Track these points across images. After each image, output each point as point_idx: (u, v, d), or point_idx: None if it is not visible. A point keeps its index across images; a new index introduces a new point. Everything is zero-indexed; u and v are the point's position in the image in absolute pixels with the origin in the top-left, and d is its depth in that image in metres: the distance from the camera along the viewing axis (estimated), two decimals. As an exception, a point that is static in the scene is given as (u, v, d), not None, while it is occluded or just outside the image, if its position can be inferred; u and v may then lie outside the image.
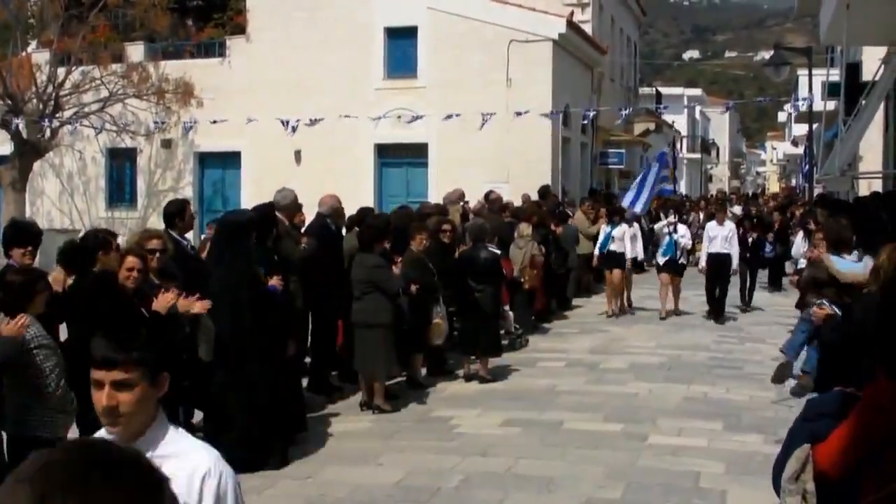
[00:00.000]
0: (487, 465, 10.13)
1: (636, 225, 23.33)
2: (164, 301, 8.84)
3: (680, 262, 21.60)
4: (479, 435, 11.41)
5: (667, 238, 21.52)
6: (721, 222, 21.59)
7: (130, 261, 8.88)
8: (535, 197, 24.45)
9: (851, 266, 8.94)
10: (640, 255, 23.42)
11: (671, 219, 22.25)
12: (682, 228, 22.15)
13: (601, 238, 22.34)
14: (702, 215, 32.08)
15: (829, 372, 9.06)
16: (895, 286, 4.53)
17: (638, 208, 24.32)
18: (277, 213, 12.23)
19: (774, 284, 26.58)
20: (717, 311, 21.16)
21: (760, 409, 12.66)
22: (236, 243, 10.21)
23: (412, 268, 13.45)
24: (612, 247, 21.73)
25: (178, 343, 9.24)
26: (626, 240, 21.78)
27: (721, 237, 21.16)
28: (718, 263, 21.01)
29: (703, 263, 21.57)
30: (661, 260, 21.77)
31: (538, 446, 10.88)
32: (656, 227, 23.44)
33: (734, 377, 14.82)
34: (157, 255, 9.71)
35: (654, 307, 21.83)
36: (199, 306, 9.36)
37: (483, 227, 15.25)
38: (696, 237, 25.84)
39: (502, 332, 16.02)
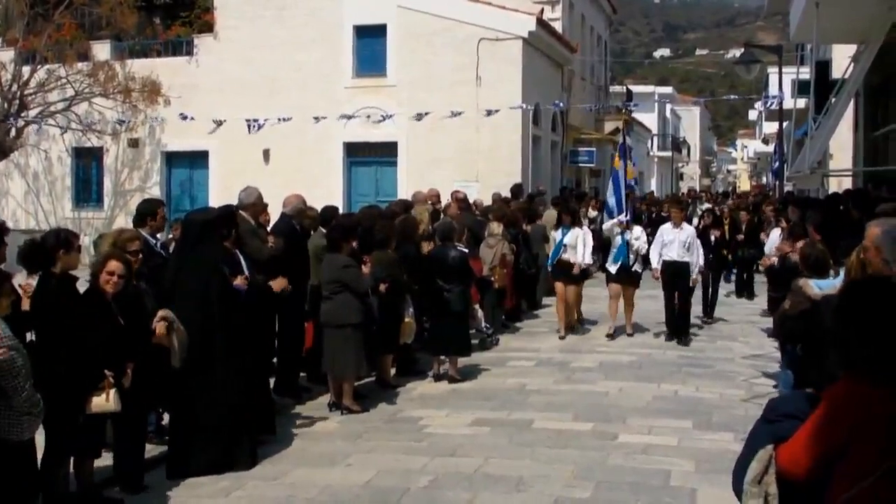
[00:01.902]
0: (457, 465, 10.07)
1: (586, 228, 19.91)
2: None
3: (633, 269, 18.42)
4: (449, 435, 11.34)
5: (618, 240, 18.40)
6: (678, 224, 17.98)
7: (113, 265, 8.81)
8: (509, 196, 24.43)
9: (832, 284, 8.88)
10: (587, 261, 18.97)
11: (621, 217, 18.51)
12: (637, 230, 18.72)
13: (554, 247, 18.96)
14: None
15: (805, 374, 9.05)
16: (853, 287, 4.46)
17: (623, 216, 18.80)
18: (242, 212, 12.13)
19: (743, 291, 24.57)
20: (676, 330, 18.00)
21: (730, 408, 12.65)
22: (202, 242, 10.10)
23: (382, 267, 13.36)
24: (565, 255, 18.39)
25: (151, 348, 9.16)
26: (579, 246, 18.39)
27: (678, 242, 17.73)
28: (675, 273, 17.74)
29: (657, 267, 18.02)
30: (611, 267, 18.60)
31: (508, 446, 10.82)
32: (605, 226, 20.50)
33: (704, 376, 14.80)
34: (140, 256, 9.69)
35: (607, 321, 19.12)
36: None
37: (451, 227, 15.18)
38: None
39: (472, 331, 15.95)
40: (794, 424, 4.27)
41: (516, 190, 25.72)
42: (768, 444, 4.31)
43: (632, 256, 18.29)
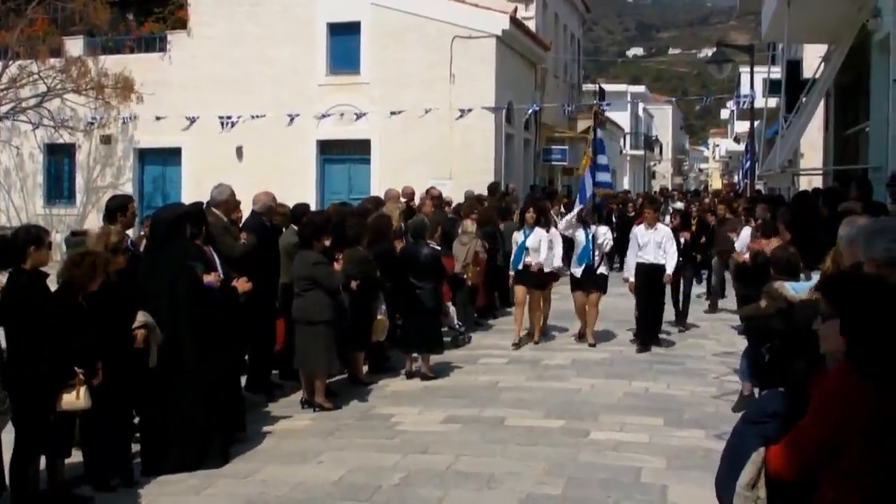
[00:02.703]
0: (428, 462, 10.06)
1: (554, 230, 18.09)
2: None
3: (598, 272, 17.07)
4: (421, 432, 11.34)
5: (581, 239, 17.00)
6: (652, 224, 16.98)
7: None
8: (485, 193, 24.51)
9: (806, 286, 8.93)
10: (557, 264, 17.66)
11: (585, 210, 17.35)
12: (602, 228, 17.34)
13: (514, 249, 17.60)
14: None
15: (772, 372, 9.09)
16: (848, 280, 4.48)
17: (576, 205, 18.06)
18: (215, 210, 12.14)
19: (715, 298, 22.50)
20: (646, 337, 16.94)
21: (701, 405, 12.69)
22: (171, 238, 10.09)
23: (353, 264, 13.36)
24: (527, 259, 17.08)
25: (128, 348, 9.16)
26: (542, 248, 17.10)
27: (653, 243, 16.75)
28: (650, 276, 16.73)
29: (630, 276, 17.05)
30: (576, 270, 17.17)
31: (479, 443, 10.83)
32: (562, 222, 18.55)
33: (675, 373, 14.85)
34: (128, 253, 9.80)
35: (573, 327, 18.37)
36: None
37: (424, 224, 15.17)
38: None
39: (444, 328, 15.97)
40: (780, 424, 4.28)
41: (493, 188, 25.78)
42: (759, 447, 4.30)
43: (597, 258, 16.94)
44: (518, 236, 17.54)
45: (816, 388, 4.26)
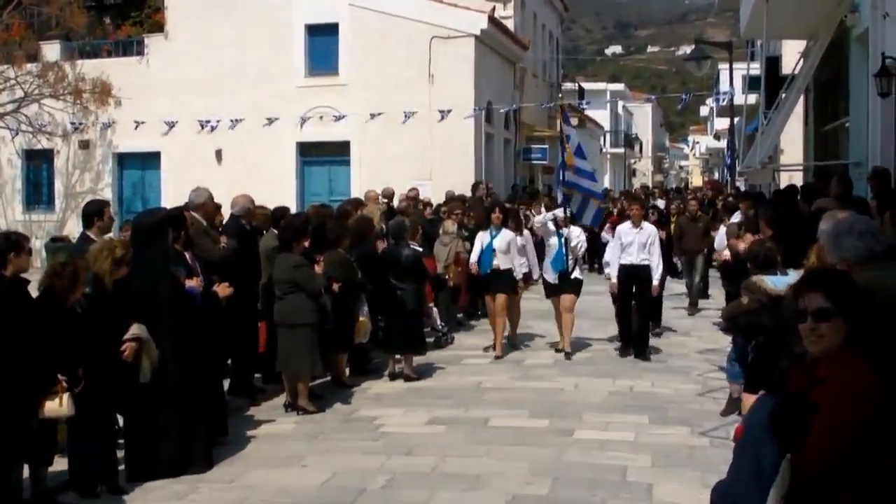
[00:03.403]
0: (413, 464, 10.04)
1: (526, 233, 17.40)
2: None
3: (573, 276, 16.00)
4: (405, 434, 11.31)
5: (553, 241, 16.02)
6: (637, 223, 15.98)
7: (123, 272, 9.32)
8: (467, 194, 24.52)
9: (785, 280, 8.91)
10: (534, 271, 17.01)
11: (557, 212, 16.41)
12: (575, 229, 16.20)
13: (476, 250, 16.59)
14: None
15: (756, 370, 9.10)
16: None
17: (559, 211, 16.49)
18: (194, 213, 12.08)
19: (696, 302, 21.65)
20: (634, 343, 15.99)
21: (686, 402, 12.70)
22: (152, 243, 10.03)
23: (334, 267, 13.32)
24: (496, 261, 16.17)
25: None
26: (512, 251, 16.23)
27: (638, 244, 15.78)
28: (635, 277, 15.83)
29: (612, 278, 16.06)
30: (550, 276, 16.14)
31: (464, 444, 10.81)
32: (536, 221, 17.42)
33: (659, 371, 14.86)
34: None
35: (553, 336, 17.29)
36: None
37: (404, 226, 15.14)
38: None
39: (427, 329, 15.94)
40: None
41: (474, 187, 25.81)
42: (780, 454, 4.26)
43: (570, 261, 15.82)
44: (484, 237, 16.52)
45: (824, 383, 4.23)
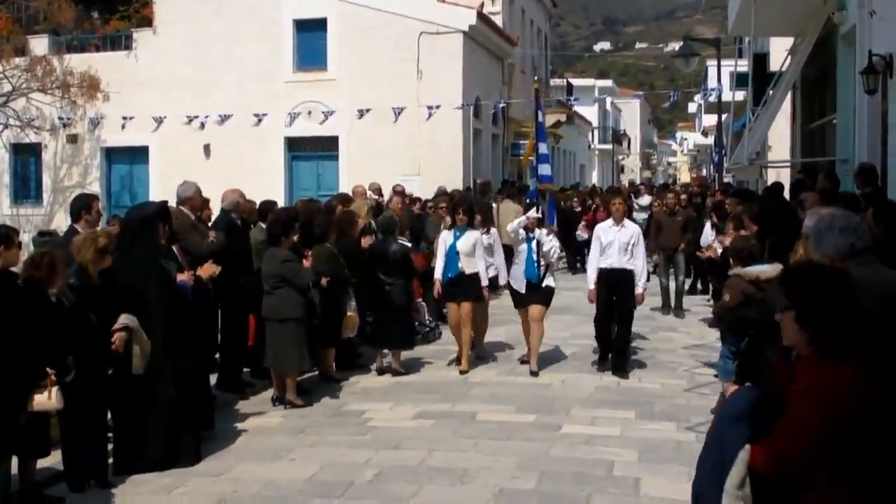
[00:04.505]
0: (401, 458, 10.08)
1: (494, 231, 15.77)
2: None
3: (544, 284, 14.34)
4: (393, 428, 11.35)
5: (523, 246, 14.26)
6: (619, 221, 14.33)
7: (107, 262, 9.36)
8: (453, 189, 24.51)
9: (765, 268, 8.96)
10: (501, 274, 15.22)
11: (533, 213, 14.41)
12: (547, 235, 14.39)
13: (440, 252, 14.93)
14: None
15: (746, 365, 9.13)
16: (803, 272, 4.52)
17: (533, 212, 14.63)
18: (181, 208, 12.12)
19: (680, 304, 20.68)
20: (612, 357, 14.43)
21: (672, 397, 12.77)
22: (143, 237, 10.04)
23: (322, 261, 13.34)
24: (460, 265, 14.57)
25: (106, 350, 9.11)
26: (478, 253, 14.68)
27: (619, 244, 14.09)
28: (616, 283, 14.15)
29: (590, 284, 14.42)
30: (517, 283, 14.46)
31: (451, 438, 10.85)
32: (509, 227, 14.87)
33: (646, 366, 14.91)
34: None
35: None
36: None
37: (392, 221, 15.14)
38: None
39: (415, 324, 15.96)
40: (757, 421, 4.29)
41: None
42: (744, 445, 4.29)
43: (542, 267, 14.23)
44: (447, 237, 14.94)
45: (796, 381, 4.26)
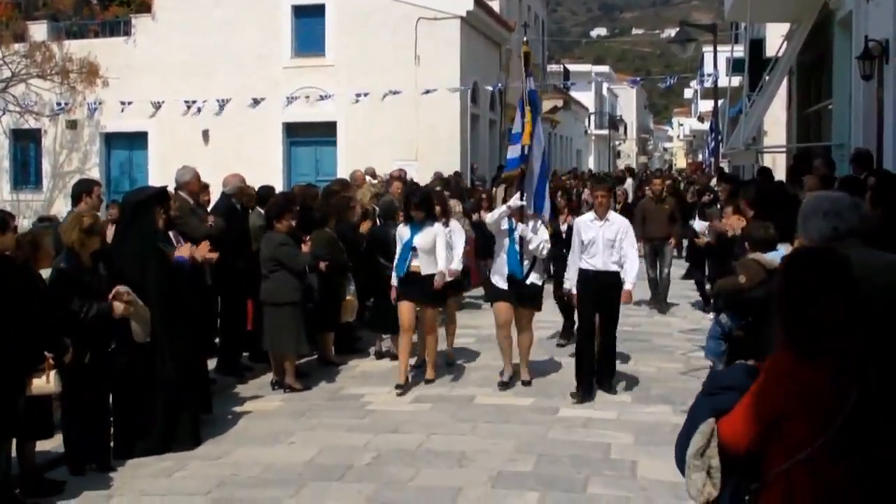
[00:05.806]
0: (399, 441, 10.15)
1: (453, 223, 14.10)
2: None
3: (529, 281, 12.47)
4: (391, 412, 11.43)
5: (506, 239, 12.43)
6: (602, 215, 12.15)
7: (95, 243, 9.36)
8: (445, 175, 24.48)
9: (778, 254, 8.99)
10: (456, 266, 13.27)
11: (513, 202, 12.27)
12: (539, 228, 12.44)
13: (399, 251, 12.89)
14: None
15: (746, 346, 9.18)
16: (795, 258, 4.55)
17: (517, 199, 12.30)
18: (180, 192, 12.18)
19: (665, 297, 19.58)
20: (596, 374, 12.23)
21: (668, 381, 12.85)
22: (139, 219, 10.08)
23: (321, 246, 13.38)
24: (416, 262, 12.68)
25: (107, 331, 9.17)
26: (439, 250, 12.75)
27: (603, 241, 11.99)
28: (600, 289, 11.99)
29: (571, 288, 12.40)
30: (498, 280, 12.54)
31: (449, 421, 10.93)
32: (488, 218, 13.23)
33: (642, 350, 14.96)
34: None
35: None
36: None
37: (393, 206, 15.16)
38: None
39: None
40: (734, 397, 4.30)
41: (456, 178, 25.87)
42: (709, 417, 4.38)
43: (526, 262, 12.41)
44: (403, 231, 12.97)
45: (764, 363, 4.34)
